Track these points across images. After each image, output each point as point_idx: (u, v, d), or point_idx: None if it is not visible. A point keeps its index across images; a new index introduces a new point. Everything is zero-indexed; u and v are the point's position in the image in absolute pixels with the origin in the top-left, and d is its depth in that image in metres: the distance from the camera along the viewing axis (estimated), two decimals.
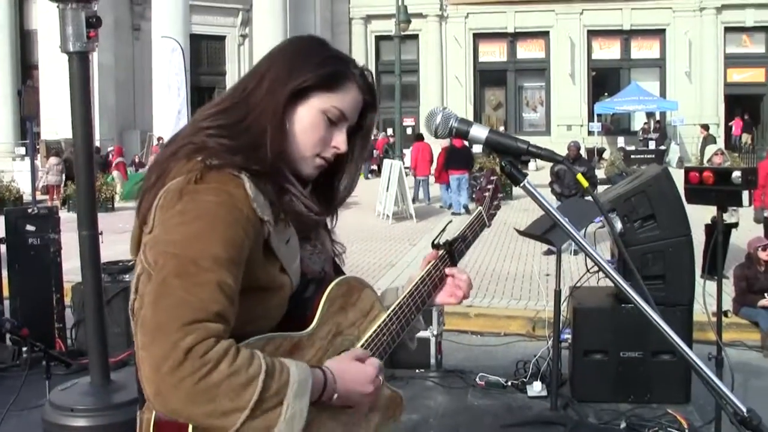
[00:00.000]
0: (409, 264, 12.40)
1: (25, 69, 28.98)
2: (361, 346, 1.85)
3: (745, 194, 4.63)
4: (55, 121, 25.58)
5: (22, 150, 25.62)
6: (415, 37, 34.47)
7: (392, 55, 26.58)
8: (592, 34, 33.97)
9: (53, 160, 23.01)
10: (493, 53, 35.95)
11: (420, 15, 33.01)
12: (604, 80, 34.47)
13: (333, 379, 1.67)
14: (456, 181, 18.74)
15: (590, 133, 31.63)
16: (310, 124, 1.78)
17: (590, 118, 32.54)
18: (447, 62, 34.80)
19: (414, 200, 20.02)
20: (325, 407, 1.72)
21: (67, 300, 7.78)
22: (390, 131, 30.91)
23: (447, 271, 2.07)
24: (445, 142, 18.48)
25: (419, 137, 21.16)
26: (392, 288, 2.06)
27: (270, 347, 1.62)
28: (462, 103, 34.62)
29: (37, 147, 23.74)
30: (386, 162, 20.39)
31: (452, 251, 2.10)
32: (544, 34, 34.56)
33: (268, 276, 1.70)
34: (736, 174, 4.44)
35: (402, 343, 2.05)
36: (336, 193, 1.93)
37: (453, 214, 18.27)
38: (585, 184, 1.72)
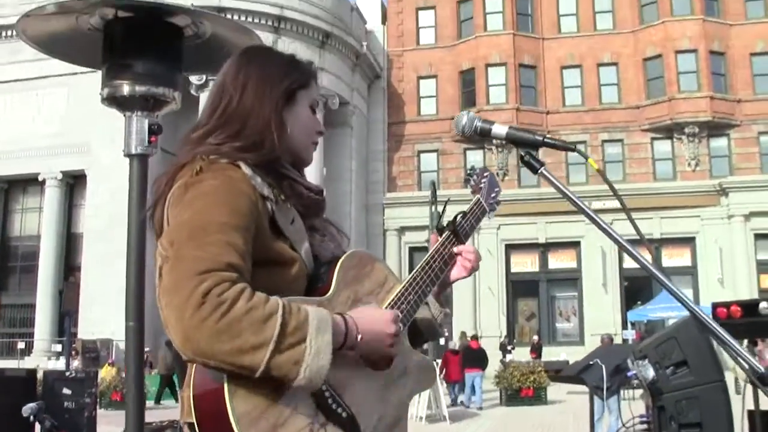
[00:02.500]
0: None
1: (68, 270, 29.73)
2: None
3: None
4: (93, 323, 25.98)
5: (59, 347, 25.89)
6: None
7: None
8: None
9: (80, 358, 23.24)
10: (525, 264, 36.39)
11: None
12: (637, 288, 34.55)
13: (353, 322, 1.76)
14: (470, 379, 20.24)
15: (624, 341, 31.34)
16: (306, 117, 2.03)
17: (624, 326, 32.38)
18: (479, 273, 35.01)
19: (454, 403, 20.73)
20: (360, 368, 1.82)
21: None
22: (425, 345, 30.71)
23: (455, 249, 2.18)
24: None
25: (455, 352, 21.86)
26: None
27: None
28: (495, 313, 34.72)
29: (74, 346, 24.00)
30: None
31: (457, 230, 2.20)
32: (575, 244, 35.10)
33: (280, 249, 1.84)
34: (764, 305, 4.52)
35: (433, 328, 2.18)
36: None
37: (465, 407, 19.55)
38: (594, 166, 1.89)
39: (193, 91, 26.15)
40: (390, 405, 1.92)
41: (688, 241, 34.30)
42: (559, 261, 36.07)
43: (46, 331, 28.77)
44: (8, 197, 32.19)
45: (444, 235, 2.18)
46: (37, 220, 31.25)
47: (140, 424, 3.42)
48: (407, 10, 38.53)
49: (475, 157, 37.18)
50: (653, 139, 35.29)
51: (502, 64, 35.87)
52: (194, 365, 1.68)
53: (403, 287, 2.01)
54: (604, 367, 5.00)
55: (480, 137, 2.02)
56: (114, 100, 3.53)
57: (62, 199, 30.69)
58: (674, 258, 34.70)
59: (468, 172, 2.44)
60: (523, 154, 1.94)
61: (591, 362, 5.08)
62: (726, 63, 34.83)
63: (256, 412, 1.62)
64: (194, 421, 1.66)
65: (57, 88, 29.97)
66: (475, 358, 20.66)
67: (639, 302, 33.29)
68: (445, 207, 2.37)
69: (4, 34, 30.91)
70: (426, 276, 2.08)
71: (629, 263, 34.62)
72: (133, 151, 3.50)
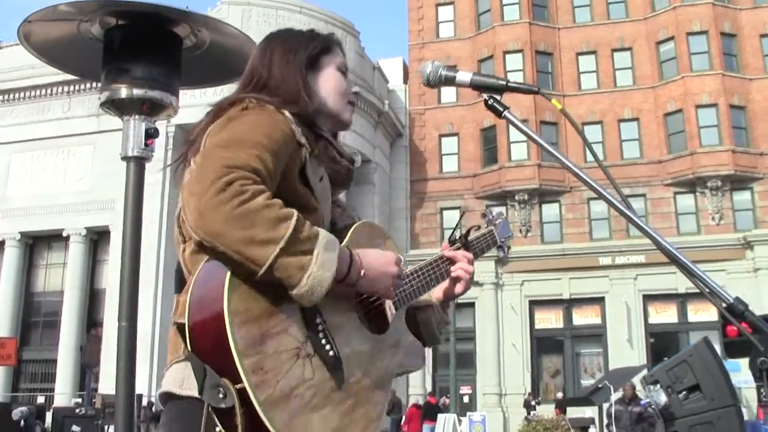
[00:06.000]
0: None
1: (91, 325, 29.70)
2: None
3: None
4: (114, 378, 25.81)
5: (78, 401, 25.81)
6: (472, 305, 34.88)
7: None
8: (648, 298, 34.03)
9: None
10: (549, 320, 36.00)
11: (476, 283, 33.50)
12: (663, 344, 34.05)
13: (359, 256, 1.82)
14: (429, 429, 22.86)
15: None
16: (336, 79, 2.14)
17: None
18: (503, 329, 34.81)
19: None
20: (357, 326, 1.87)
21: None
22: (446, 399, 30.43)
23: (453, 254, 2.25)
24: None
25: (418, 406, 24.75)
26: None
27: None
28: (520, 371, 34.29)
29: (93, 401, 23.94)
30: (440, 416, 21.36)
31: (468, 245, 2.30)
32: (600, 300, 34.73)
33: (305, 194, 1.90)
34: None
35: (432, 333, 2.22)
36: None
37: None
38: (559, 106, 1.88)
39: None
40: (377, 368, 1.92)
41: None
42: (583, 317, 35.66)
43: (67, 386, 28.70)
44: (33, 253, 32.49)
45: (454, 246, 2.27)
46: (61, 276, 31.43)
47: (130, 425, 3.39)
48: None
49: None
50: (676, 193, 35.10)
51: (523, 121, 35.72)
52: (196, 274, 1.72)
53: (410, 271, 2.10)
54: (612, 388, 4.89)
55: (445, 85, 2.02)
56: (112, 104, 3.58)
57: (86, 254, 30.95)
58: (700, 313, 34.11)
59: (486, 210, 2.55)
60: (486, 98, 1.95)
61: (600, 385, 4.98)
62: (747, 117, 34.75)
63: (249, 315, 1.64)
64: (186, 320, 1.67)
65: (83, 146, 30.53)
66: (435, 411, 23.64)
67: (665, 358, 32.74)
68: (460, 219, 2.44)
69: (32, 93, 31.56)
70: (432, 271, 2.17)
71: (654, 318, 34.27)
72: (130, 154, 3.55)
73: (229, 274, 1.64)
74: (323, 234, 1.73)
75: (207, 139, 1.87)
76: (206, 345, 1.63)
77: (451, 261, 2.21)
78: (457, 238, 2.28)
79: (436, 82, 2.04)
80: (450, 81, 2.02)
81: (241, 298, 1.64)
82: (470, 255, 2.26)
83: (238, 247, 1.62)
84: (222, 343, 1.59)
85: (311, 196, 1.91)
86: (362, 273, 1.80)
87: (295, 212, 1.69)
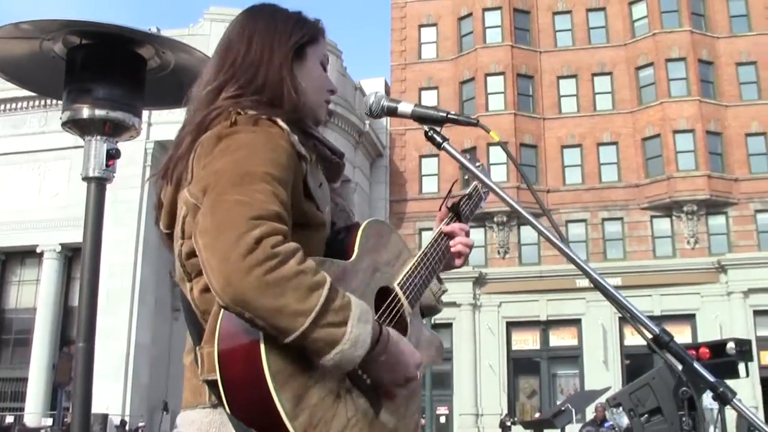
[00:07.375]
0: None
1: (64, 344, 29.27)
2: (398, 283, 1.91)
3: (742, 366, 4.63)
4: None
5: (49, 421, 25.43)
6: (449, 325, 34.86)
7: None
8: (624, 320, 33.65)
9: None
10: (526, 341, 36.05)
11: (454, 304, 33.56)
12: (639, 365, 34.04)
13: (388, 337, 1.66)
14: None
15: None
16: (318, 74, 2.00)
17: None
18: (480, 350, 34.80)
19: None
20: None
21: None
22: (422, 419, 30.38)
23: (448, 228, 2.18)
24: None
25: None
26: None
27: (323, 269, 1.61)
28: (496, 391, 34.26)
29: (65, 420, 23.65)
30: None
31: (459, 212, 2.23)
32: (576, 322, 34.82)
33: (311, 211, 1.77)
34: (731, 345, 4.50)
35: (430, 303, 2.16)
36: None
37: None
38: (496, 138, 1.91)
39: None
40: None
41: (689, 318, 34.00)
42: (560, 338, 35.76)
43: (38, 405, 28.21)
44: (5, 269, 32.10)
45: (448, 217, 2.21)
46: (34, 293, 31.01)
47: None
48: (410, 90, 39.04)
49: (477, 236, 37.13)
50: (653, 217, 35.35)
51: (503, 143, 35.88)
52: (219, 321, 1.59)
53: (416, 262, 2.00)
54: (574, 411, 4.93)
55: (387, 115, 2.04)
56: (74, 124, 3.58)
57: (60, 271, 30.54)
58: (675, 334, 33.54)
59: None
60: (427, 130, 1.97)
61: (563, 408, 5.01)
62: (723, 142, 35.17)
63: (289, 371, 1.53)
64: (218, 377, 1.55)
65: (59, 162, 30.17)
66: None
67: None
68: (451, 188, 2.35)
69: (8, 106, 31.35)
70: (435, 253, 2.09)
71: (630, 340, 34.34)
72: (91, 174, 3.55)
73: (262, 334, 1.52)
74: (355, 303, 1.58)
75: (194, 163, 1.75)
76: (250, 411, 1.54)
77: (450, 236, 2.14)
78: (449, 207, 2.23)
79: (378, 112, 2.05)
80: (392, 111, 2.03)
81: (278, 357, 1.52)
82: (466, 227, 2.18)
83: (266, 316, 1.48)
84: (269, 410, 1.50)
85: (315, 210, 1.79)
86: (384, 356, 1.65)
87: (328, 279, 1.55)
